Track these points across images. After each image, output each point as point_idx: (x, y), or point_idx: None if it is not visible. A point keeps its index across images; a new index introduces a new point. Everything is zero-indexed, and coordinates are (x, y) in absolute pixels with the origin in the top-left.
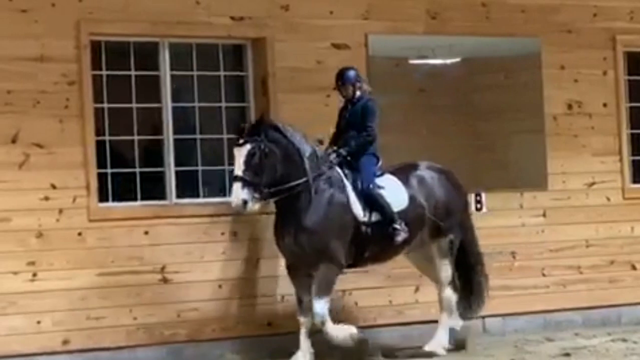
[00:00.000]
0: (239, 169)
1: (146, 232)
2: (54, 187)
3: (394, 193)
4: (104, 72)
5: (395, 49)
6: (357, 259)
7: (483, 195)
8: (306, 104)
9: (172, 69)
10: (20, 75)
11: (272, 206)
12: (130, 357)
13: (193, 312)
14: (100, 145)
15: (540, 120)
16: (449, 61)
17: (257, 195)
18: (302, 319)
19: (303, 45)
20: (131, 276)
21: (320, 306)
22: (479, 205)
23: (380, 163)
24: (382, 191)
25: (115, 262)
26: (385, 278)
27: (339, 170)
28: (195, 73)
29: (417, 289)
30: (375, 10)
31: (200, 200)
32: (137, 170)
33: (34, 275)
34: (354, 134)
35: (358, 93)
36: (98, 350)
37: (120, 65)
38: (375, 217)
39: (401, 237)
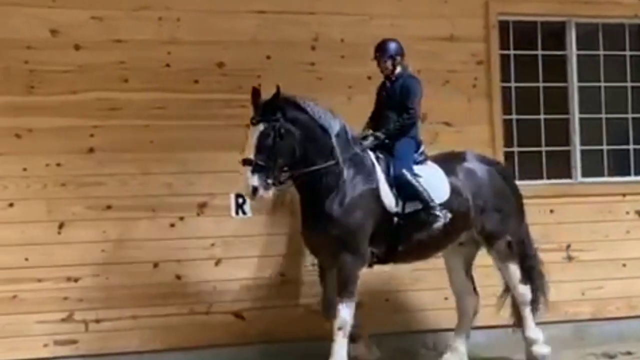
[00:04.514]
0: (250, 152)
1: (551, 211)
2: None
3: (434, 182)
4: (511, 52)
5: None
6: (390, 254)
7: None
8: None
9: (578, 48)
10: (430, 54)
11: None
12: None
13: (597, 291)
14: (507, 124)
15: None
16: None
17: (270, 180)
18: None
19: None
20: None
21: (346, 311)
22: None
23: (422, 149)
24: (419, 179)
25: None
26: None
27: (371, 154)
28: (601, 53)
29: None
30: None
31: (605, 179)
32: (543, 149)
33: None
34: (393, 115)
35: (398, 69)
36: None
37: (526, 44)
38: (410, 207)
39: (439, 223)
